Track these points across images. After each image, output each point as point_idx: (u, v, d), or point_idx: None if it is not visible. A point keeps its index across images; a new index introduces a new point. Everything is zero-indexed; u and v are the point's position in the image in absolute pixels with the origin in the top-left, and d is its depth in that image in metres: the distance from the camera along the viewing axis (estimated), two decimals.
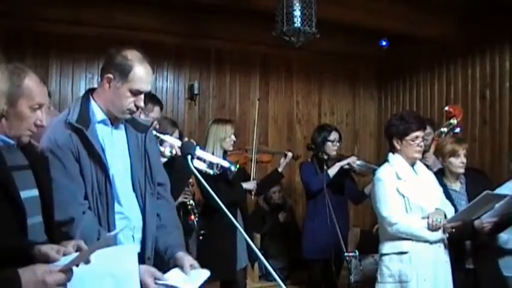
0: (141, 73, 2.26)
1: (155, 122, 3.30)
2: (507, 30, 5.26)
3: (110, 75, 2.27)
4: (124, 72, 2.24)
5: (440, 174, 3.68)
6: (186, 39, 5.98)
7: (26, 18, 5.14)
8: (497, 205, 3.38)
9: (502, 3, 4.95)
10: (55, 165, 2.13)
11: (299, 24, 4.18)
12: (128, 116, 2.34)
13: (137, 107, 2.31)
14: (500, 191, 3.44)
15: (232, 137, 4.23)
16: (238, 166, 3.78)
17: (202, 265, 4.14)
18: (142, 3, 5.40)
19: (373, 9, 5.24)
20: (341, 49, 6.56)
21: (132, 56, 2.27)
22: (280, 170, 4.74)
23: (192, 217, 3.71)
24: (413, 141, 3.34)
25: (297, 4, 4.17)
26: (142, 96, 2.30)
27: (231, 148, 4.28)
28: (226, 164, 3.25)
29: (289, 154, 4.80)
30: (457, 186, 3.68)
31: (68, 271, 1.57)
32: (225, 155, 4.25)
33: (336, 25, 5.36)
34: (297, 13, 4.17)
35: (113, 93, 2.28)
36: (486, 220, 3.39)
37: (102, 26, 5.18)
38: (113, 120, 2.36)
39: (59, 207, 2.02)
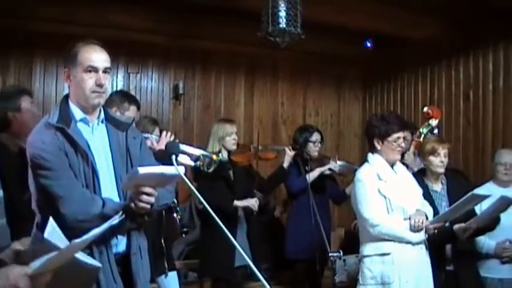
0: (87, 52, 2.34)
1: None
2: (490, 32, 5.32)
3: (66, 69, 2.38)
4: (73, 59, 2.34)
5: (421, 175, 3.66)
6: (171, 39, 5.95)
7: (16, 17, 5.07)
8: (485, 208, 3.42)
9: (486, 6, 5.00)
10: (51, 167, 2.18)
11: (284, 25, 4.20)
12: (97, 101, 2.36)
13: (100, 86, 2.33)
14: (478, 191, 3.42)
15: (233, 136, 4.23)
16: (220, 156, 3.72)
17: (202, 263, 4.15)
18: (129, 2, 5.34)
19: (358, 10, 5.26)
20: (327, 50, 6.57)
21: (77, 44, 2.37)
22: (285, 165, 4.65)
23: (175, 215, 3.69)
24: (394, 142, 3.31)
25: (282, 5, 4.18)
26: (101, 73, 2.34)
27: (233, 147, 4.26)
28: (206, 154, 3.27)
29: (287, 149, 4.71)
30: (438, 187, 3.64)
31: (40, 275, 1.56)
32: (229, 154, 4.27)
33: (322, 26, 5.37)
34: (282, 14, 4.20)
35: (74, 83, 2.36)
36: (465, 226, 3.38)
37: (92, 26, 5.10)
38: (91, 113, 2.39)
39: (75, 207, 2.11)
